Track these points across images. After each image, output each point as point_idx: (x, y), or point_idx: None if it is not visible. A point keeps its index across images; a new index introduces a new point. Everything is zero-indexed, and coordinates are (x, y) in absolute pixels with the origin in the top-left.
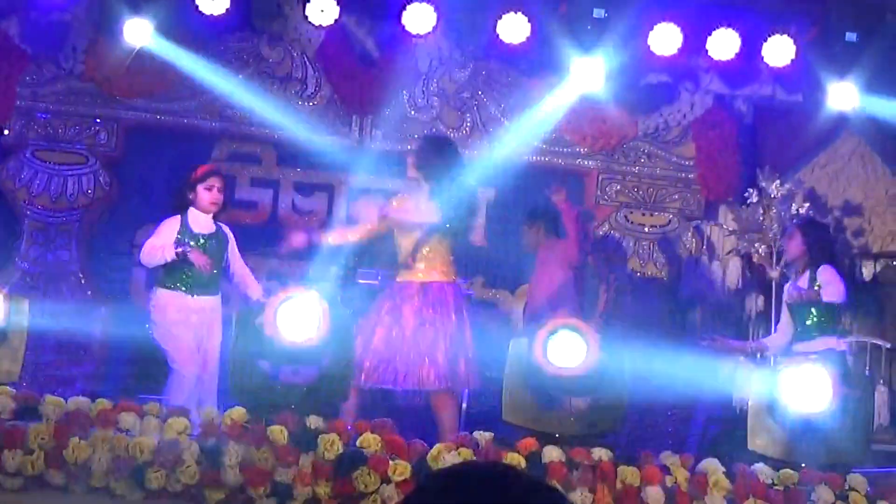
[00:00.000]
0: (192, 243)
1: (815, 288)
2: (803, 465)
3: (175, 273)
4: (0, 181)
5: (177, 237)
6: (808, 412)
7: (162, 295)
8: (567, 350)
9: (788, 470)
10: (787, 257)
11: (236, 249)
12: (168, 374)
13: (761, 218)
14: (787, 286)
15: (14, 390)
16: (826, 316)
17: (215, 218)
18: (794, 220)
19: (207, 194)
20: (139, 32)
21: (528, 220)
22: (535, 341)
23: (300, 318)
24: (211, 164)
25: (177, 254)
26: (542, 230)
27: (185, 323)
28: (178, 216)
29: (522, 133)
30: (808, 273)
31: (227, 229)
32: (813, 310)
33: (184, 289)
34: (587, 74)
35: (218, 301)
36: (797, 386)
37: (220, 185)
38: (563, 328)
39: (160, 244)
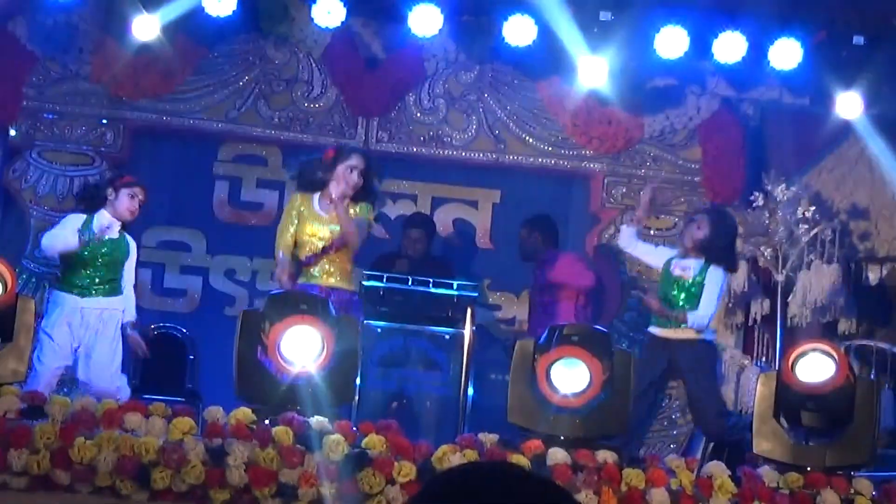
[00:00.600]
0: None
1: None
2: (808, 468)
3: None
4: (6, 181)
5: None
6: None
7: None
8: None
9: (794, 473)
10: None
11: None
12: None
13: (767, 221)
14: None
15: (20, 390)
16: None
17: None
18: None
19: (128, 201)
20: (147, 28)
21: (525, 225)
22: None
23: (302, 349)
24: (133, 178)
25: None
26: (541, 239)
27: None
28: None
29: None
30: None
31: (132, 242)
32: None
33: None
34: (593, 76)
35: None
36: None
37: (142, 196)
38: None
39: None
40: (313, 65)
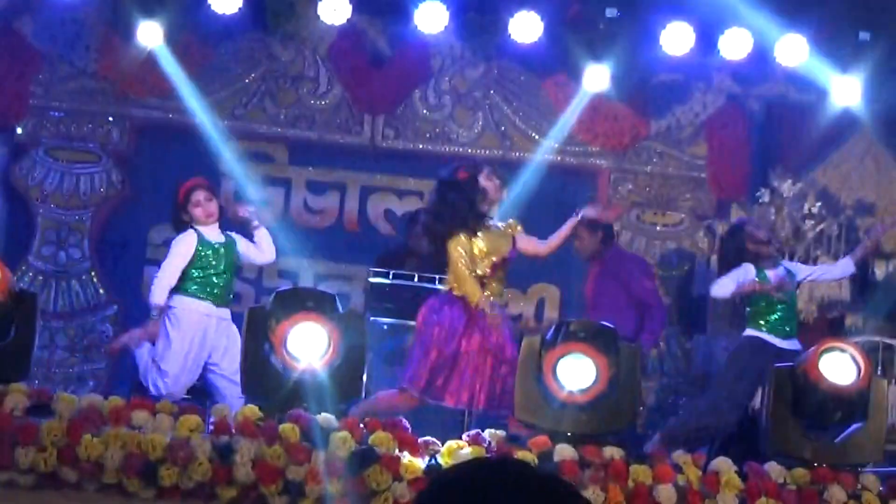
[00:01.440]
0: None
1: None
2: (815, 463)
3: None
4: (13, 179)
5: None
6: None
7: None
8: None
9: (801, 469)
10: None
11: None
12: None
13: (773, 217)
14: None
15: (27, 387)
16: None
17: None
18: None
19: (199, 211)
20: (151, 35)
21: (589, 224)
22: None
23: (309, 346)
24: (190, 182)
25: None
26: (601, 238)
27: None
28: (192, 231)
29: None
30: None
31: (235, 235)
32: None
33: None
34: (599, 73)
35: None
36: None
37: (204, 195)
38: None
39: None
40: (319, 62)
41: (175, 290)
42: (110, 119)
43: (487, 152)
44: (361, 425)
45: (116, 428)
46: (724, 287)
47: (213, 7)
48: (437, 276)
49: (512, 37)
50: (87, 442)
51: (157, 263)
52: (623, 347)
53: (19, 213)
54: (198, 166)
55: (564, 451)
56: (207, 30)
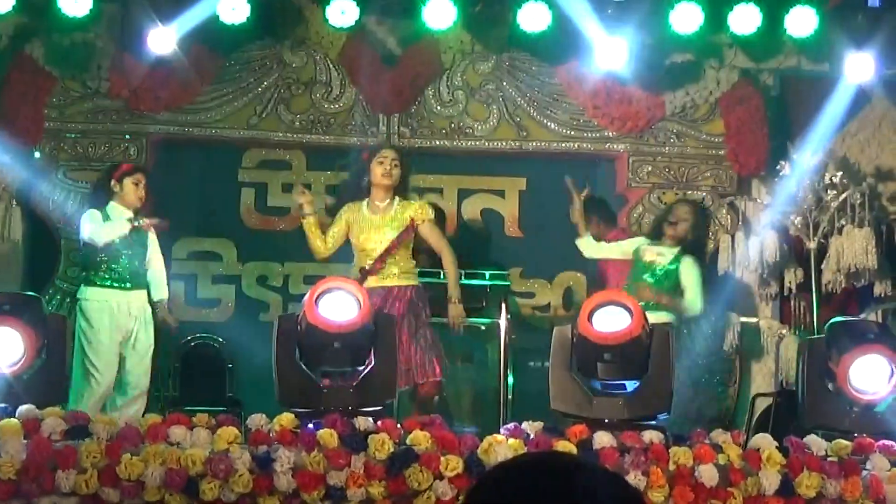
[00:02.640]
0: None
1: None
2: (855, 434)
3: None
4: (34, 203)
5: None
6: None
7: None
8: None
9: (841, 440)
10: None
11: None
12: None
13: (795, 190)
14: None
15: (63, 410)
16: None
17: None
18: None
19: (134, 189)
20: (163, 40)
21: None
22: None
23: (341, 304)
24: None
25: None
26: (598, 221)
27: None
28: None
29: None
30: None
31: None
32: None
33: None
34: (611, 58)
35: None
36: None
37: (145, 181)
38: None
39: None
40: (331, 66)
41: None
42: (126, 137)
43: (504, 144)
44: (399, 426)
45: (155, 445)
46: None
47: (221, 18)
48: (462, 272)
49: (521, 27)
50: (126, 461)
51: (183, 277)
52: (656, 327)
53: (42, 236)
54: (216, 178)
55: (603, 439)
56: (217, 40)
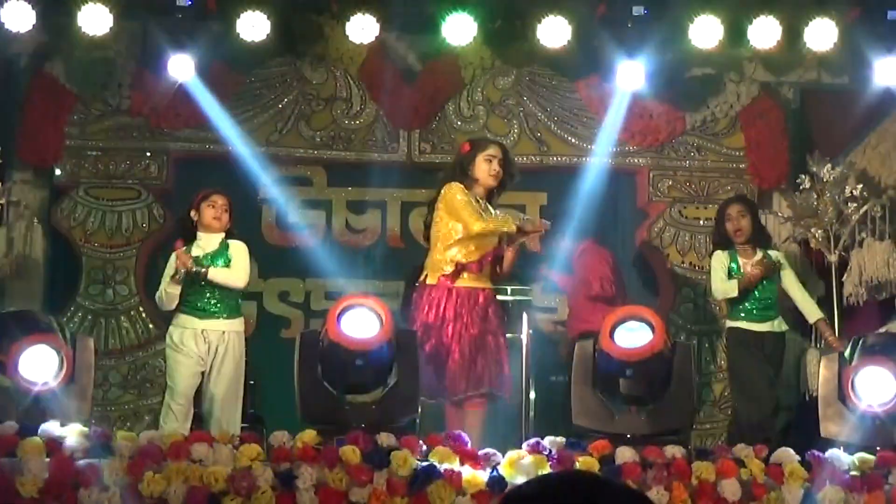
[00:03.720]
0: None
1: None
2: (878, 447)
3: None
4: (55, 221)
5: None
6: None
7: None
8: None
9: (864, 454)
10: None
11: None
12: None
13: (815, 203)
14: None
15: (87, 429)
16: None
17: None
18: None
19: (210, 211)
20: (182, 68)
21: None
22: None
23: (363, 321)
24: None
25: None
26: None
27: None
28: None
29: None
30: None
31: (233, 243)
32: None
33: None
34: (631, 73)
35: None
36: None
37: (222, 201)
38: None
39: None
40: (351, 82)
41: None
42: (147, 154)
43: (525, 160)
44: (420, 442)
45: (177, 462)
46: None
47: (241, 36)
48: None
49: (541, 42)
50: (149, 479)
51: None
52: (679, 344)
53: (64, 255)
54: (237, 195)
55: (625, 454)
56: (238, 58)
